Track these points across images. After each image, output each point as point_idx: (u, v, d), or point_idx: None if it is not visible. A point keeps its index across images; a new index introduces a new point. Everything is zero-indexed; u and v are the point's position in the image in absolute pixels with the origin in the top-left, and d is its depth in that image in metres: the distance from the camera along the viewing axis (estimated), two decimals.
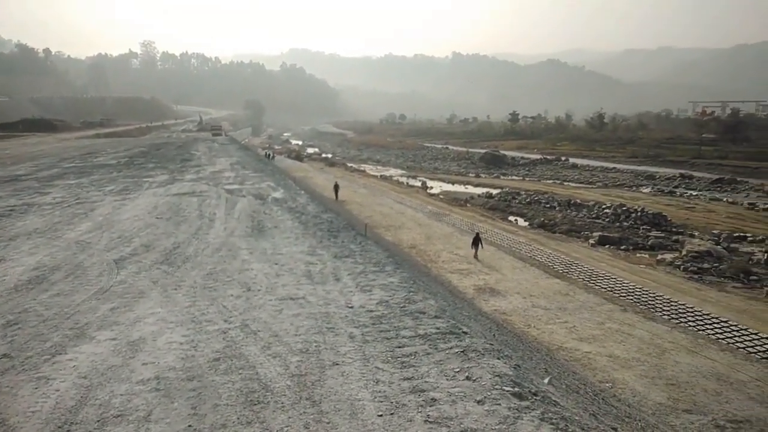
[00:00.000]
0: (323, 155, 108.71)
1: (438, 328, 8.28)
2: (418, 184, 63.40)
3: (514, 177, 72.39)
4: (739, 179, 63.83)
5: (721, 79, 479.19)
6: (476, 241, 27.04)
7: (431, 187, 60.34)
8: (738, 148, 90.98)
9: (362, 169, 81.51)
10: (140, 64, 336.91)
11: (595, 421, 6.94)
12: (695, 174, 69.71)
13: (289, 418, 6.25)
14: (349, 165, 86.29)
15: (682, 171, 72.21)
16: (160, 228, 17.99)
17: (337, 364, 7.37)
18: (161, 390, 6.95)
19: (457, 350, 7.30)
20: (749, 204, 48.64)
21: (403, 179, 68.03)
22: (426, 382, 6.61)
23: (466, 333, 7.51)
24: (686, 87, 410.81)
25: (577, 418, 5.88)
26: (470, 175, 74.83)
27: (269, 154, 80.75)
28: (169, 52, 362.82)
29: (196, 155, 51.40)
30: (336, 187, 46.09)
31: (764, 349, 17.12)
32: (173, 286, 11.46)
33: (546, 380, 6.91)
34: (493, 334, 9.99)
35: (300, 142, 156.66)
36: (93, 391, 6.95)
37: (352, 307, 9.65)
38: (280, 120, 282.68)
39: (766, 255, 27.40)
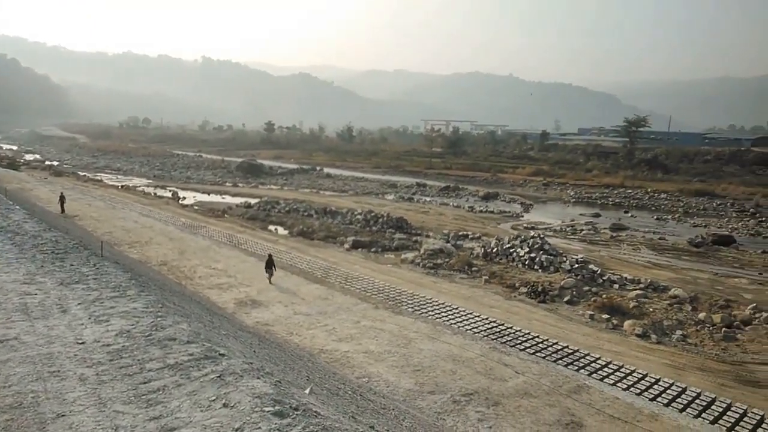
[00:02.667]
0: (47, 163, 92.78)
1: (191, 354, 7.48)
2: (169, 194, 58.71)
3: (272, 186, 72.61)
4: (460, 186, 75.30)
5: (445, 100, 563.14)
6: (269, 265, 25.08)
7: (184, 198, 56.49)
8: (459, 160, 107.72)
9: (99, 178, 71.98)
10: None
11: (355, 423, 7.13)
12: (428, 182, 79.75)
13: None
14: (82, 174, 75.32)
15: (418, 180, 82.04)
16: None
17: (63, 416, 6.06)
18: None
19: (212, 376, 6.66)
20: (469, 207, 57.81)
21: (151, 189, 62.22)
22: (177, 418, 5.87)
23: (223, 355, 6.91)
24: (419, 106, 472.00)
25: (338, 425, 5.92)
26: (227, 184, 72.47)
27: None
28: None
29: None
30: (62, 199, 39.68)
31: (485, 328, 20.34)
32: None
33: (307, 390, 6.82)
34: (254, 350, 9.55)
35: (14, 147, 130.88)
36: None
37: (83, 343, 8.14)
38: None
39: (482, 249, 32.76)
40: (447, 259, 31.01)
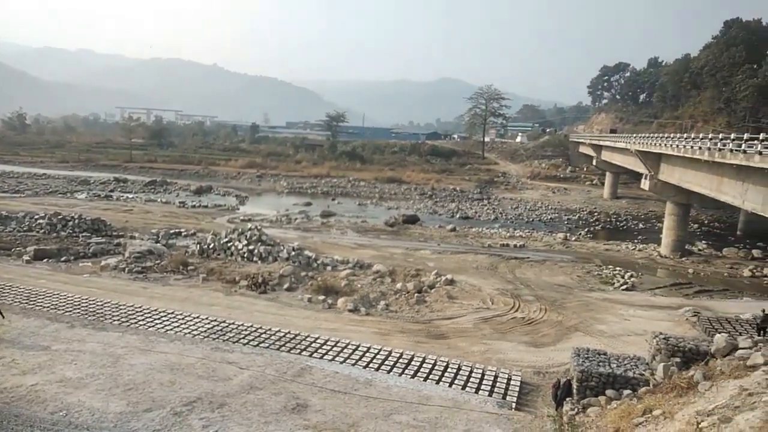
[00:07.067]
0: None
1: None
2: None
3: None
4: (169, 180, 70.46)
5: (143, 86, 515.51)
6: None
7: None
8: (165, 152, 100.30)
9: None
10: None
11: None
12: (129, 177, 72.45)
13: None
14: None
15: (117, 175, 73.73)
16: None
17: None
18: None
19: None
20: (180, 202, 54.40)
21: None
22: None
23: None
24: (111, 92, 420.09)
25: None
26: None
27: None
28: None
29: None
30: None
31: (206, 328, 19.29)
32: None
33: None
34: None
35: None
36: None
37: None
38: None
39: (198, 246, 31.08)
40: (158, 261, 28.62)
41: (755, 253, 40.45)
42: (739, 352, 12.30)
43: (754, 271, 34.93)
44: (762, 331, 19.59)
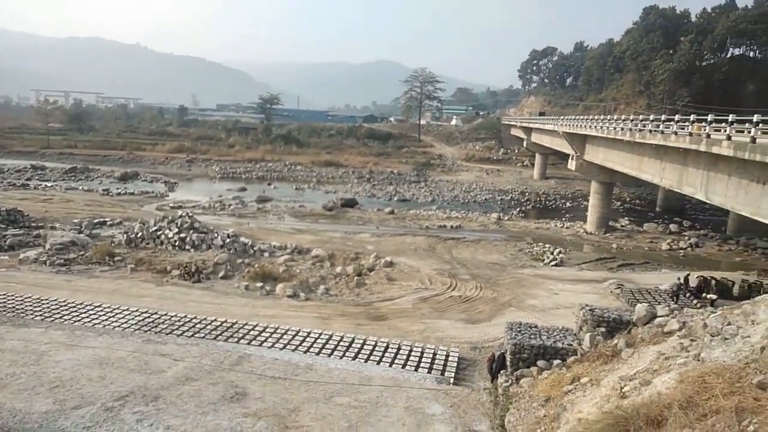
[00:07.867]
0: None
1: None
2: None
3: None
4: (91, 167, 66.58)
5: (59, 68, 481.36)
6: None
7: None
8: (86, 137, 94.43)
9: None
10: None
11: None
12: (48, 164, 67.98)
13: None
14: None
15: (34, 162, 68.85)
16: None
17: None
18: None
19: None
20: (104, 190, 51.57)
21: None
22: None
23: None
24: (23, 73, 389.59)
25: None
26: None
27: None
28: None
29: None
30: None
31: (137, 321, 18.47)
32: None
33: None
34: None
35: None
36: None
37: None
38: None
39: (125, 235, 29.59)
40: (82, 252, 27.15)
41: (672, 227, 43.48)
42: (658, 320, 13.17)
43: (671, 244, 37.53)
44: (677, 299, 21.17)
